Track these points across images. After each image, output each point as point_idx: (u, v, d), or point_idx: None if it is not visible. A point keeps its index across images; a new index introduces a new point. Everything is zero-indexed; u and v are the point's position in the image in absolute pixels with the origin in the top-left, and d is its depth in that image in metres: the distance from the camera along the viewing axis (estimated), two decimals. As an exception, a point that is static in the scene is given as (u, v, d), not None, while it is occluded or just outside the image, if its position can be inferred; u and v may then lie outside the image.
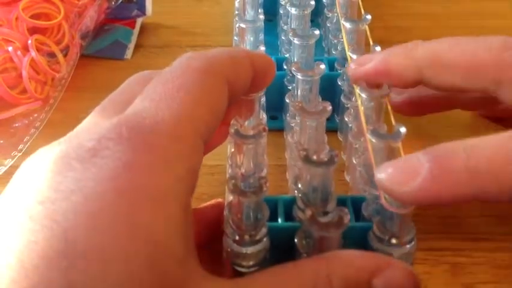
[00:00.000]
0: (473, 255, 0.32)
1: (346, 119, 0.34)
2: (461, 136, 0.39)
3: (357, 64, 0.32)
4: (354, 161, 0.32)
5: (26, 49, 0.43)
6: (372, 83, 0.32)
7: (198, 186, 0.24)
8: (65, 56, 0.45)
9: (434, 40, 0.32)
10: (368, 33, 0.36)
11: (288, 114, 0.35)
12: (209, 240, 0.27)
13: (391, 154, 0.28)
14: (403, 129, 0.27)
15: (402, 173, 0.24)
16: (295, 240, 0.25)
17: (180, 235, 0.21)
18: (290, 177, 0.34)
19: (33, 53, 0.42)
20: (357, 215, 0.28)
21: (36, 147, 0.23)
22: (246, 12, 0.40)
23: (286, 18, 0.42)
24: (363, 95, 0.31)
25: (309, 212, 0.24)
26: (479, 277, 0.31)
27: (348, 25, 0.36)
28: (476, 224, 0.34)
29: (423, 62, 0.31)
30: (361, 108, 0.30)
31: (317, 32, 0.35)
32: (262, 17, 0.39)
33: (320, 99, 0.33)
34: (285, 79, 0.38)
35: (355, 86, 0.32)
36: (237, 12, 0.41)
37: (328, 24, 0.42)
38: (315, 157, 0.25)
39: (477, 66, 0.30)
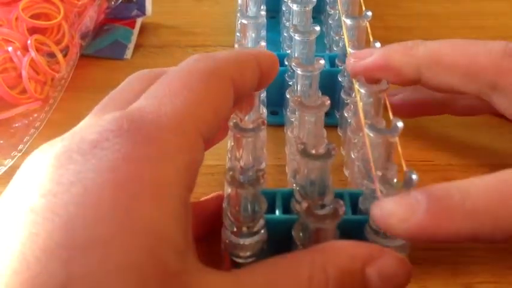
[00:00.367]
0: (473, 255, 0.32)
1: (345, 115, 0.35)
2: (460, 135, 0.40)
3: (356, 58, 0.34)
4: (353, 156, 0.33)
5: (25, 49, 0.44)
6: (371, 78, 0.33)
7: (197, 186, 0.24)
8: (65, 56, 0.46)
9: (435, 40, 0.33)
10: (369, 29, 0.37)
11: (288, 110, 0.37)
12: (209, 233, 0.27)
13: (388, 149, 0.28)
14: (400, 124, 0.28)
15: (400, 210, 0.25)
16: (293, 232, 0.26)
17: (179, 227, 0.21)
18: (289, 171, 0.35)
19: (32, 53, 0.43)
20: (354, 208, 0.29)
21: (36, 147, 0.24)
22: (249, 9, 0.41)
23: (288, 15, 0.43)
24: (362, 90, 0.32)
25: (305, 204, 0.25)
26: (479, 277, 0.31)
27: (348, 21, 0.37)
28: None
29: (423, 60, 0.32)
30: (360, 104, 0.31)
31: (317, 28, 0.36)
32: (264, 13, 0.40)
33: (320, 95, 0.34)
34: (286, 75, 0.39)
35: (354, 81, 0.33)
36: (239, 8, 0.42)
37: (329, 21, 0.43)
38: (313, 151, 0.26)
39: (475, 69, 0.31)
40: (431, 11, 0.54)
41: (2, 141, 0.41)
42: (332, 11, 0.44)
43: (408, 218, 0.25)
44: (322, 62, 0.33)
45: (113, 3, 0.51)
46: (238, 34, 0.41)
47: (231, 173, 0.25)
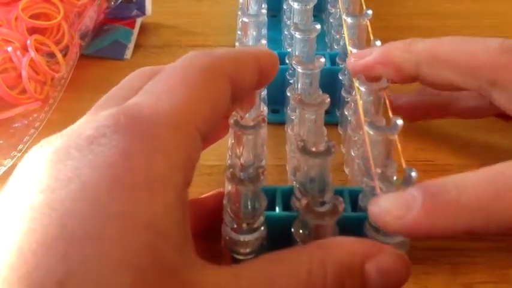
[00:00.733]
0: (473, 255, 0.33)
1: (346, 113, 0.35)
2: (460, 135, 0.41)
3: (356, 57, 0.34)
4: (353, 154, 0.33)
5: (25, 49, 0.44)
6: (371, 76, 0.33)
7: (196, 186, 0.25)
8: (65, 56, 0.46)
9: (434, 38, 0.34)
10: (369, 28, 0.38)
11: (288, 108, 0.37)
12: (209, 229, 0.28)
13: (388, 146, 0.29)
14: (399, 122, 0.28)
15: (396, 207, 0.26)
16: (292, 229, 0.26)
17: (176, 222, 0.22)
18: (289, 169, 0.36)
19: (32, 53, 0.44)
20: (354, 206, 0.29)
21: (35, 147, 0.24)
22: (250, 7, 0.42)
23: (289, 13, 0.44)
24: (362, 89, 0.32)
25: (304, 201, 0.25)
26: (479, 277, 0.32)
27: (349, 20, 0.38)
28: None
29: (422, 56, 0.33)
30: (360, 102, 0.32)
31: (318, 26, 0.37)
32: (265, 11, 0.40)
33: (320, 93, 0.34)
34: (287, 73, 0.40)
35: (354, 80, 0.34)
36: (240, 6, 0.42)
37: (330, 20, 0.44)
38: (313, 148, 0.27)
39: (474, 66, 0.32)
40: (431, 11, 0.55)
41: (1, 141, 0.41)
42: (333, 10, 0.44)
43: (404, 215, 0.25)
44: (322, 60, 0.34)
45: (112, 3, 0.51)
46: (239, 32, 0.42)
47: (231, 170, 0.25)
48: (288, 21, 0.44)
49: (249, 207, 0.26)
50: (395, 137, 0.29)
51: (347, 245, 0.24)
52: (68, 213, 0.20)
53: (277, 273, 0.23)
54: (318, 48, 0.38)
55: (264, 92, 0.36)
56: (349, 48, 0.36)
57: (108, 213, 0.20)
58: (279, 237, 0.26)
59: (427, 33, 0.42)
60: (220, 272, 0.23)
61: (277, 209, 0.29)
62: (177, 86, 0.24)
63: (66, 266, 0.19)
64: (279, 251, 0.24)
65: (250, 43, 0.39)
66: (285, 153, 0.38)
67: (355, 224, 0.28)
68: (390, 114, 0.31)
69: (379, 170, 0.27)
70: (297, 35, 0.37)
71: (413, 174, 0.26)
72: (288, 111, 0.37)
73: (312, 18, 0.40)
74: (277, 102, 0.41)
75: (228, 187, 0.26)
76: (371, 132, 0.28)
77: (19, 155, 0.40)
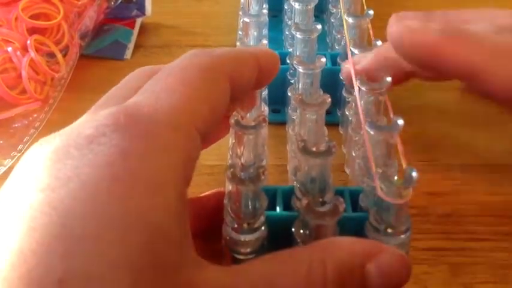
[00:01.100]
0: (473, 255, 0.33)
1: (346, 113, 0.36)
2: (460, 135, 0.41)
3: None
4: (353, 154, 0.33)
5: (25, 49, 0.44)
6: (372, 77, 0.33)
7: (196, 186, 0.25)
8: (65, 56, 0.47)
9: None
10: (370, 28, 0.38)
11: (289, 108, 0.37)
12: (208, 229, 0.28)
13: (388, 146, 0.29)
14: (400, 122, 0.28)
15: (420, 26, 0.31)
16: (293, 229, 0.26)
17: (175, 221, 0.22)
18: (290, 169, 0.36)
19: (32, 53, 0.44)
20: (355, 206, 0.29)
21: (35, 148, 0.24)
22: (251, 7, 0.42)
23: (290, 14, 0.44)
24: (363, 89, 0.32)
25: (305, 201, 0.25)
26: (479, 277, 0.32)
27: (350, 20, 0.38)
28: (476, 224, 0.35)
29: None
30: (360, 102, 0.32)
31: (319, 26, 0.37)
32: (266, 11, 0.41)
33: (321, 93, 0.34)
34: (288, 73, 0.40)
35: (355, 80, 0.33)
36: (241, 6, 0.42)
37: (332, 20, 0.44)
38: (314, 148, 0.27)
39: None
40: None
41: (1, 142, 0.41)
42: (334, 10, 0.45)
43: (426, 32, 0.29)
44: (323, 60, 0.34)
45: (112, 3, 0.52)
46: (240, 32, 0.42)
47: (231, 169, 0.25)
48: (289, 22, 0.44)
49: (250, 207, 0.26)
50: (396, 137, 0.29)
51: (347, 245, 0.24)
52: (67, 212, 0.20)
53: (277, 274, 0.23)
54: (319, 49, 0.38)
55: (265, 92, 0.37)
56: (350, 48, 0.36)
57: (107, 213, 0.21)
58: (279, 237, 0.26)
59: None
60: (220, 271, 0.23)
61: (277, 209, 0.29)
62: (176, 85, 0.25)
63: (66, 265, 0.19)
64: (280, 251, 0.24)
65: (252, 43, 0.39)
66: (285, 153, 0.38)
67: (355, 224, 0.28)
68: (391, 114, 0.31)
69: (379, 170, 0.28)
70: (298, 35, 0.37)
71: (414, 174, 0.26)
72: (289, 111, 0.37)
73: (313, 18, 0.40)
74: (278, 102, 0.41)
75: (229, 187, 0.26)
76: (371, 132, 0.29)
77: (19, 155, 0.40)
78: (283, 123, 0.40)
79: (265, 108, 0.36)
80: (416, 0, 0.56)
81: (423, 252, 0.33)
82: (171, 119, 0.23)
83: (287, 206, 0.29)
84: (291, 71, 0.39)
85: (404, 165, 0.28)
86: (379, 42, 0.36)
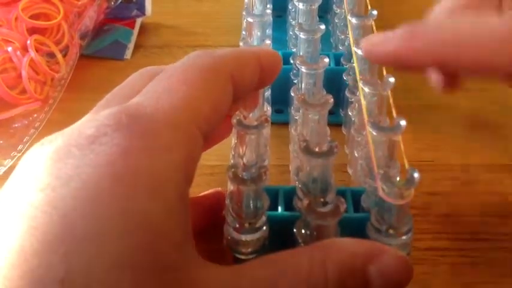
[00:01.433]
0: (473, 255, 0.33)
1: (349, 113, 0.36)
2: (460, 135, 0.41)
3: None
4: (356, 154, 0.33)
5: (25, 49, 0.45)
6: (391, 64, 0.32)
7: (197, 186, 0.25)
8: (65, 56, 0.47)
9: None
10: (374, 28, 0.38)
11: (292, 108, 0.37)
12: (206, 229, 0.28)
13: (391, 147, 0.29)
14: (403, 122, 0.28)
15: (381, 38, 0.30)
16: (294, 229, 0.26)
17: (176, 221, 0.22)
18: (292, 169, 0.36)
19: (32, 53, 0.44)
20: (357, 206, 0.30)
21: (35, 148, 0.24)
22: (255, 7, 0.42)
23: (294, 14, 0.44)
24: (366, 89, 0.32)
25: (306, 201, 0.25)
26: (479, 277, 0.32)
27: (354, 20, 0.38)
28: (476, 224, 0.35)
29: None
30: (363, 102, 0.32)
31: (323, 26, 0.37)
32: (269, 11, 0.41)
33: (325, 93, 0.34)
34: (291, 73, 0.40)
35: (358, 80, 0.33)
36: (245, 6, 0.43)
37: (336, 20, 0.45)
38: (316, 149, 0.27)
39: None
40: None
41: (1, 142, 0.42)
42: (338, 10, 0.45)
43: (386, 42, 0.29)
44: (326, 60, 0.34)
45: (112, 3, 0.52)
46: (244, 32, 0.42)
47: (233, 169, 0.25)
48: (293, 22, 0.44)
49: (251, 207, 0.26)
50: (399, 138, 0.29)
51: (349, 246, 0.24)
52: (68, 212, 0.21)
53: (278, 274, 0.23)
54: (323, 49, 0.39)
55: (268, 92, 0.37)
56: (354, 49, 0.36)
57: (108, 212, 0.21)
58: (281, 237, 0.26)
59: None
60: (221, 271, 0.23)
61: (279, 209, 0.29)
62: (178, 85, 0.25)
63: (67, 265, 0.20)
64: (281, 251, 0.24)
65: (255, 43, 0.39)
66: (288, 154, 0.38)
67: (357, 225, 0.28)
68: (394, 114, 0.31)
69: (381, 171, 0.28)
70: (302, 35, 0.37)
71: (416, 175, 0.26)
72: (292, 112, 0.37)
73: (317, 18, 0.41)
74: (281, 103, 0.41)
75: (230, 187, 0.26)
76: (374, 133, 0.29)
77: (19, 155, 0.40)
78: (286, 124, 0.40)
79: (268, 109, 0.36)
80: (412, 1, 0.56)
81: (423, 252, 0.33)
82: (172, 118, 0.24)
83: (289, 206, 0.29)
84: (294, 71, 0.39)
85: (406, 166, 0.28)
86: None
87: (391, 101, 0.33)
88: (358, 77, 0.34)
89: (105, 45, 0.51)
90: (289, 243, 0.27)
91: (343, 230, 0.26)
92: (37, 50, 0.44)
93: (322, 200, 0.26)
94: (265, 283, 0.23)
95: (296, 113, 0.36)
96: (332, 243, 0.25)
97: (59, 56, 0.46)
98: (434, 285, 0.32)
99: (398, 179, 0.27)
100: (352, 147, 0.35)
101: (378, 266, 0.24)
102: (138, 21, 0.54)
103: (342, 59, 0.41)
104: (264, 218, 0.26)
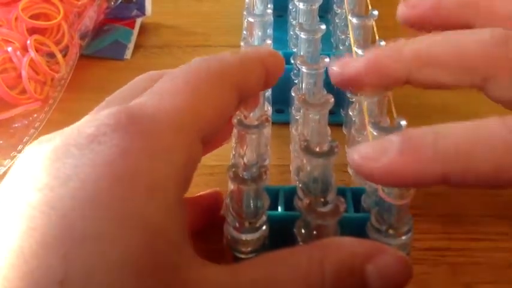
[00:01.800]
0: (473, 255, 0.33)
1: (350, 113, 0.36)
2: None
3: (339, 67, 0.31)
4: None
5: (25, 49, 0.45)
6: (359, 84, 0.31)
7: (196, 186, 0.25)
8: (65, 56, 0.47)
9: (420, 37, 0.33)
10: (375, 29, 0.38)
11: (293, 108, 0.38)
12: (204, 228, 0.28)
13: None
14: (403, 123, 0.29)
15: (373, 150, 0.25)
16: (294, 229, 0.26)
17: (175, 222, 0.22)
18: (293, 169, 0.36)
19: (32, 53, 0.44)
20: (357, 206, 0.30)
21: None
22: (256, 7, 0.42)
23: (295, 14, 0.44)
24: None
25: (306, 201, 0.25)
26: (479, 277, 0.32)
27: (354, 20, 0.38)
28: (476, 224, 0.35)
29: (413, 63, 0.32)
30: (364, 102, 0.32)
31: (323, 26, 0.37)
32: (270, 11, 0.41)
33: (325, 93, 0.34)
34: (292, 73, 0.40)
35: None
36: (246, 6, 0.43)
37: (336, 20, 0.45)
38: (317, 149, 0.27)
39: (467, 64, 0.30)
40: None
41: (1, 142, 0.42)
42: (339, 10, 0.45)
43: (379, 157, 0.24)
44: (327, 60, 0.34)
45: (112, 3, 0.52)
46: (244, 32, 0.42)
47: (233, 169, 0.25)
48: (294, 22, 0.44)
49: (251, 206, 0.26)
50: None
51: (347, 246, 0.25)
52: (67, 212, 0.21)
53: (276, 273, 0.23)
54: (323, 49, 0.39)
55: (268, 92, 0.37)
56: (354, 49, 0.36)
57: (107, 213, 0.21)
58: (281, 237, 0.27)
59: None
60: (220, 270, 0.23)
61: (279, 208, 0.29)
62: (181, 88, 0.25)
63: (66, 266, 0.20)
64: (280, 250, 0.24)
65: (256, 43, 0.40)
66: (289, 153, 0.38)
67: (357, 225, 0.28)
68: (394, 114, 0.31)
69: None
70: (302, 35, 0.37)
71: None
72: (293, 111, 0.37)
73: (318, 18, 0.41)
74: (282, 102, 0.41)
75: (231, 186, 0.26)
76: (374, 133, 0.29)
77: (19, 155, 0.40)
78: (286, 124, 0.41)
79: (269, 108, 0.36)
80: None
81: (423, 252, 0.33)
82: (173, 119, 0.24)
83: (289, 206, 0.29)
84: (295, 71, 0.40)
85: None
86: (382, 43, 0.36)
87: (391, 100, 0.33)
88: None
89: (105, 45, 0.51)
90: (289, 242, 0.27)
91: (343, 230, 0.26)
92: (37, 50, 0.45)
93: (322, 199, 0.26)
94: (264, 282, 0.23)
95: (297, 113, 0.36)
96: (331, 242, 0.25)
97: (59, 56, 0.46)
98: (434, 285, 0.32)
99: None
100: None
101: (377, 266, 0.24)
102: (138, 21, 0.54)
103: (342, 59, 0.41)
104: (264, 218, 0.26)
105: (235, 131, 0.29)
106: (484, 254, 0.33)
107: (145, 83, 0.27)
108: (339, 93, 0.39)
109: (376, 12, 0.38)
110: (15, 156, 0.40)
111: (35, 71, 0.44)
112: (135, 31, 0.53)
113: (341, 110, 0.41)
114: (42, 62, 0.45)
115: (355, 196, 0.30)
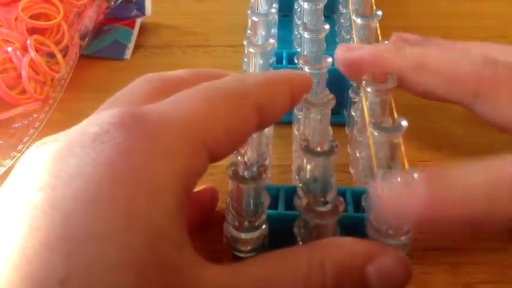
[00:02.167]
0: (473, 255, 0.33)
1: (353, 113, 0.36)
2: (460, 135, 0.41)
3: (345, 49, 0.35)
4: (358, 155, 0.33)
5: (25, 49, 0.45)
6: (356, 72, 0.34)
7: (197, 186, 0.25)
8: (64, 56, 0.47)
9: (422, 43, 0.34)
10: (378, 29, 0.38)
11: (296, 107, 0.37)
12: (201, 225, 0.28)
13: (392, 148, 0.29)
14: (404, 123, 0.29)
15: (400, 206, 0.27)
16: (294, 228, 0.27)
17: (175, 223, 0.23)
18: (294, 169, 0.36)
19: (32, 54, 0.44)
20: (357, 206, 0.30)
21: (35, 148, 0.24)
22: (260, 7, 0.43)
23: (300, 13, 0.44)
24: (369, 89, 0.33)
25: (305, 200, 0.25)
26: (479, 277, 0.32)
27: (358, 21, 0.38)
28: (476, 224, 0.35)
29: (409, 63, 0.34)
30: (365, 102, 0.32)
31: (327, 26, 0.38)
32: (274, 10, 0.41)
33: (328, 93, 0.34)
34: (295, 73, 0.40)
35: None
36: (250, 6, 0.43)
37: (342, 20, 0.45)
38: (318, 148, 0.27)
39: (458, 76, 0.33)
40: (431, 12, 0.56)
41: (1, 142, 0.42)
42: (344, 10, 0.45)
43: (406, 208, 0.26)
44: (329, 60, 0.35)
45: (112, 3, 0.52)
46: (248, 31, 0.42)
47: (233, 168, 0.26)
48: (298, 21, 0.44)
49: (251, 205, 0.26)
50: (400, 139, 0.29)
51: (347, 246, 0.25)
52: (70, 213, 0.21)
53: (275, 271, 0.24)
54: (328, 49, 0.39)
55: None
56: None
57: (109, 214, 0.21)
58: (281, 236, 0.27)
59: (436, 33, 0.43)
60: (220, 270, 0.23)
61: (279, 207, 0.29)
62: (196, 101, 0.25)
63: (69, 266, 0.20)
64: (280, 250, 0.24)
65: (259, 42, 0.39)
66: (291, 153, 0.38)
67: (357, 225, 0.28)
68: (395, 115, 0.31)
69: (381, 172, 0.28)
70: (306, 35, 0.37)
71: (416, 175, 0.27)
72: (295, 111, 0.37)
73: (323, 18, 0.41)
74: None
75: (231, 185, 0.27)
76: (375, 133, 0.29)
77: (19, 155, 0.41)
78: (289, 123, 0.41)
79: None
80: (414, 1, 0.57)
81: (423, 252, 0.33)
82: (178, 127, 0.24)
83: (289, 206, 0.29)
84: (299, 71, 0.40)
85: (406, 166, 0.29)
86: (386, 43, 0.36)
87: (392, 100, 0.33)
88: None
89: (105, 45, 0.52)
90: (288, 241, 0.27)
91: (343, 230, 0.27)
92: (37, 50, 0.45)
93: (322, 199, 0.26)
94: (264, 282, 0.23)
95: (299, 113, 0.36)
96: (331, 242, 0.25)
97: (59, 56, 0.47)
98: (434, 285, 0.32)
99: (399, 179, 0.27)
100: (355, 148, 0.36)
101: (376, 266, 0.24)
102: (138, 21, 0.54)
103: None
104: (263, 217, 0.27)
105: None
106: (484, 254, 0.33)
107: (148, 85, 0.27)
108: (342, 93, 0.39)
109: (380, 13, 0.38)
110: (15, 156, 0.41)
111: (35, 71, 0.45)
112: (135, 31, 0.53)
113: (344, 111, 0.41)
114: (42, 62, 0.45)
115: (355, 196, 0.30)
